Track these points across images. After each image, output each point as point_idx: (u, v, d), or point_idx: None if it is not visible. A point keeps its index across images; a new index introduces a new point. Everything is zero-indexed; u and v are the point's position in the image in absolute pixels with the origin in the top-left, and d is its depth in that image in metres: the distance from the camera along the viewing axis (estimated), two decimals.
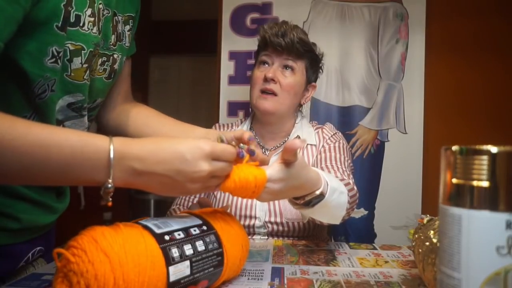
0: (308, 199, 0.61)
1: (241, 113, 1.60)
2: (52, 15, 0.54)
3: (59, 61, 0.57)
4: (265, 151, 1.06)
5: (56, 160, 0.44)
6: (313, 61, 1.06)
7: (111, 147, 0.45)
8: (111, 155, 0.45)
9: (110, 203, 0.47)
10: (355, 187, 0.81)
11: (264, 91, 0.99)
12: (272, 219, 0.95)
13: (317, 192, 0.61)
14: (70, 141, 0.45)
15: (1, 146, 0.42)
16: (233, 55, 1.61)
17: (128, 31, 0.74)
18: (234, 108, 1.61)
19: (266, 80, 0.98)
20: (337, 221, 0.74)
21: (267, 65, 1.01)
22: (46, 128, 0.46)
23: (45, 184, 0.46)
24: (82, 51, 0.60)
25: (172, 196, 0.52)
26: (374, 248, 0.81)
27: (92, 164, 0.45)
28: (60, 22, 0.55)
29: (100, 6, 0.62)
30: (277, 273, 0.63)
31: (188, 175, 0.48)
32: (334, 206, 0.67)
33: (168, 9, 3.54)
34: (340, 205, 0.69)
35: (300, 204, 0.63)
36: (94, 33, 0.61)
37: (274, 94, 0.98)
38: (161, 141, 0.49)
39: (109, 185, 0.45)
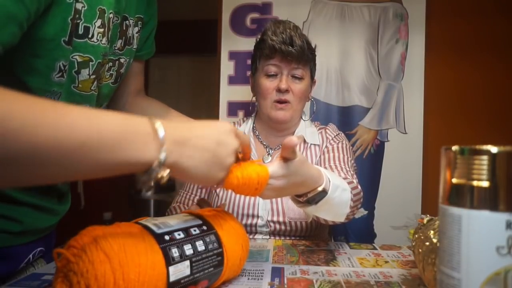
0: (311, 196, 0.61)
1: (241, 113, 1.60)
2: (60, 30, 0.53)
3: (65, 74, 0.57)
4: (268, 150, 1.06)
5: (108, 136, 0.39)
6: (314, 61, 1.06)
7: (155, 120, 0.42)
8: (157, 125, 0.41)
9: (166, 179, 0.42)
10: (359, 186, 0.81)
11: (278, 101, 1.00)
12: (275, 218, 0.95)
13: (319, 189, 0.61)
14: (117, 119, 0.41)
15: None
16: (233, 55, 1.61)
17: (136, 33, 0.73)
18: (234, 108, 1.61)
19: (280, 91, 0.98)
20: (341, 218, 0.74)
21: (275, 74, 1.00)
22: (85, 109, 0.40)
23: (87, 176, 0.39)
24: (90, 63, 0.59)
25: (209, 177, 0.49)
26: (374, 248, 0.80)
27: (142, 139, 0.41)
28: (67, 37, 0.54)
29: (111, 15, 0.61)
30: (277, 273, 0.63)
31: (228, 146, 0.48)
32: (337, 203, 0.67)
33: (168, 9, 3.53)
34: (343, 202, 0.70)
35: (303, 202, 0.63)
36: (103, 43, 0.60)
37: (287, 102, 1.00)
38: (193, 122, 0.50)
39: (163, 158, 0.41)
